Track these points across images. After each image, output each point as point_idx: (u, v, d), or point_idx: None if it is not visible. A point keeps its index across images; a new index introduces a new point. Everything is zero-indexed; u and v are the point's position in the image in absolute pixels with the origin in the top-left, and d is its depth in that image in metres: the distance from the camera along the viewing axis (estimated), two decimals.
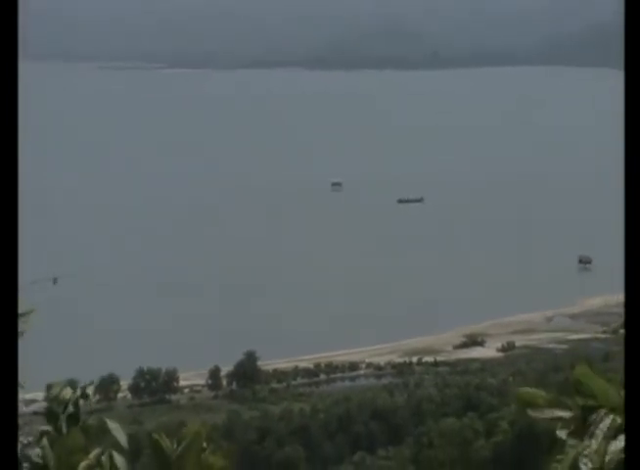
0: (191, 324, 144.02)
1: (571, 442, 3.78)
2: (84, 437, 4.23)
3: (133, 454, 4.42)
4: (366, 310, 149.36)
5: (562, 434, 3.84)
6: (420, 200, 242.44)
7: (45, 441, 4.15)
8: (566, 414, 3.84)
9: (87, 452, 4.18)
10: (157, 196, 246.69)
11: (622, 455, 3.54)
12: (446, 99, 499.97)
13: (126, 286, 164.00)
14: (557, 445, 3.85)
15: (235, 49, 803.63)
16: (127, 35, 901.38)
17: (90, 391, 4.52)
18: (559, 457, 3.76)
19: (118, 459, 4.16)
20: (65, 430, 4.22)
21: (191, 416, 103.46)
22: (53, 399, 4.24)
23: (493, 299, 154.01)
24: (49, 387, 4.28)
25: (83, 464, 4.13)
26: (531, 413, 3.85)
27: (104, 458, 4.17)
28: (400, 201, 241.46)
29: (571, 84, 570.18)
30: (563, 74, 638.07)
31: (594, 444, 3.70)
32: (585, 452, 3.71)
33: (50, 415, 4.29)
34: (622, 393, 3.74)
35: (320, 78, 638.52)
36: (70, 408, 4.31)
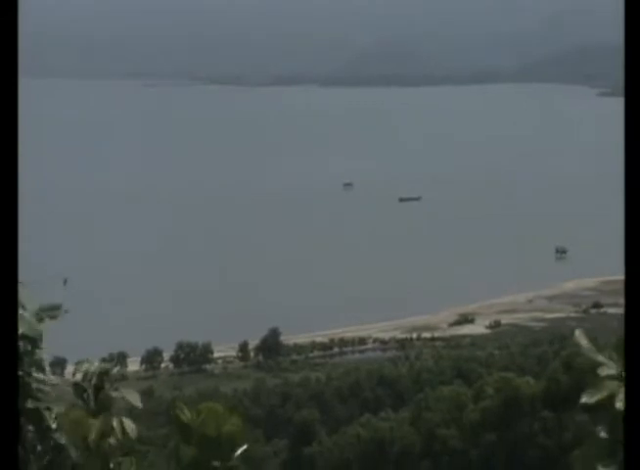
0: (223, 305, 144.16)
1: (609, 382, 3.73)
2: (106, 405, 4.15)
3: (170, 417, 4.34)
4: (373, 292, 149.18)
5: (602, 372, 3.79)
6: (418, 198, 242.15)
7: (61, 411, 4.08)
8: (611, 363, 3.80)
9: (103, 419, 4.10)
10: (199, 194, 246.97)
11: None
12: (440, 111, 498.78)
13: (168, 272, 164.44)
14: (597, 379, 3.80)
15: (260, 68, 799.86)
16: (162, 53, 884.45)
17: (114, 368, 4.43)
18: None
19: (129, 424, 4.08)
20: (91, 401, 4.15)
21: (223, 383, 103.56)
22: (82, 374, 4.18)
23: (482, 283, 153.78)
24: (78, 363, 4.22)
25: (95, 430, 4.05)
26: (590, 354, 3.78)
27: (115, 423, 4.09)
28: (401, 199, 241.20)
29: (545, 99, 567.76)
30: (537, 90, 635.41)
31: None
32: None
33: (77, 388, 4.22)
34: None
35: (333, 94, 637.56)
36: (94, 381, 4.24)
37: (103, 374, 4.21)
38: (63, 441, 4.03)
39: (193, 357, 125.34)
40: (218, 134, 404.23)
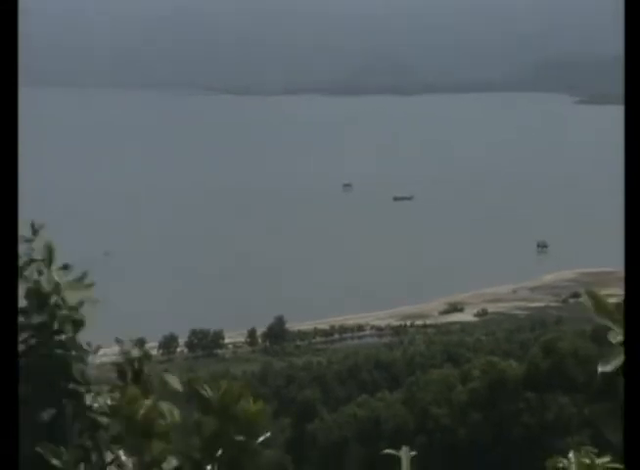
0: (234, 296, 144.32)
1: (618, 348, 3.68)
2: (147, 389, 4.14)
3: (187, 397, 4.32)
4: (370, 284, 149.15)
5: (614, 339, 3.72)
6: (411, 198, 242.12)
7: (109, 394, 4.07)
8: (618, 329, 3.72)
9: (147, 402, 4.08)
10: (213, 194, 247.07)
11: None
12: (433, 119, 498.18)
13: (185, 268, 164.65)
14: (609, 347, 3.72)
15: (269, 78, 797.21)
16: (176, 64, 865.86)
17: (151, 351, 4.42)
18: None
19: (174, 410, 4.07)
20: (131, 384, 4.14)
21: (233, 366, 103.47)
22: (123, 358, 4.17)
23: (470, 275, 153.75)
24: (119, 344, 4.21)
25: (142, 411, 4.03)
26: (598, 318, 3.70)
27: (161, 406, 4.07)
28: (395, 198, 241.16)
29: (529, 107, 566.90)
30: (522, 99, 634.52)
31: None
32: None
33: (120, 372, 4.21)
34: None
35: (335, 103, 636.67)
36: (136, 365, 4.23)
37: (144, 358, 4.20)
38: (100, 419, 4.02)
39: (205, 343, 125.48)
40: (230, 140, 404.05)
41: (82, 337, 4.18)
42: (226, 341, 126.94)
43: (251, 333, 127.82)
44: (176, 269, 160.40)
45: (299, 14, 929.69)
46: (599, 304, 3.70)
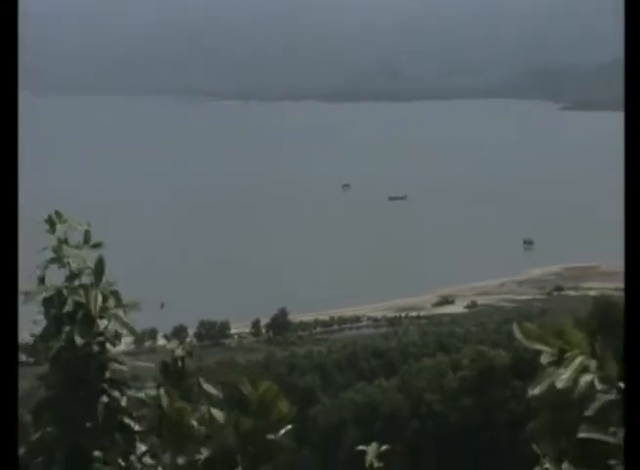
0: (239, 290, 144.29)
1: (550, 369, 3.66)
2: (193, 394, 4.10)
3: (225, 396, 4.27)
4: (367, 278, 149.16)
5: (544, 360, 3.70)
6: (404, 197, 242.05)
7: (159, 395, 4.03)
8: (548, 350, 3.69)
9: (192, 408, 4.03)
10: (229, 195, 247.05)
11: (591, 388, 3.40)
12: (426, 123, 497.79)
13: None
14: (539, 370, 3.70)
15: (269, 84, 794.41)
16: (180, 70, 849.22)
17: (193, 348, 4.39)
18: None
19: (218, 414, 4.04)
20: (174, 382, 4.10)
21: (238, 355, 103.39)
22: (165, 352, 4.15)
23: (461, 270, 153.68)
24: (167, 341, 4.16)
25: (191, 420, 3.99)
26: (526, 343, 3.70)
27: (207, 414, 4.04)
28: (390, 198, 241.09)
29: (516, 112, 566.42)
30: (509, 105, 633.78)
31: (568, 372, 3.58)
32: (561, 377, 3.58)
33: (164, 370, 4.17)
34: (592, 341, 3.58)
35: (334, 108, 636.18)
36: (179, 364, 4.20)
37: (185, 357, 4.17)
38: (127, 420, 4.00)
39: (213, 333, 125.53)
40: (234, 144, 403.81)
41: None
42: (232, 331, 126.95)
43: (256, 324, 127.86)
44: (187, 266, 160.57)
45: (300, 24, 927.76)
46: (526, 331, 3.72)
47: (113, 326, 4.06)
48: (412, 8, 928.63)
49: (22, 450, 3.89)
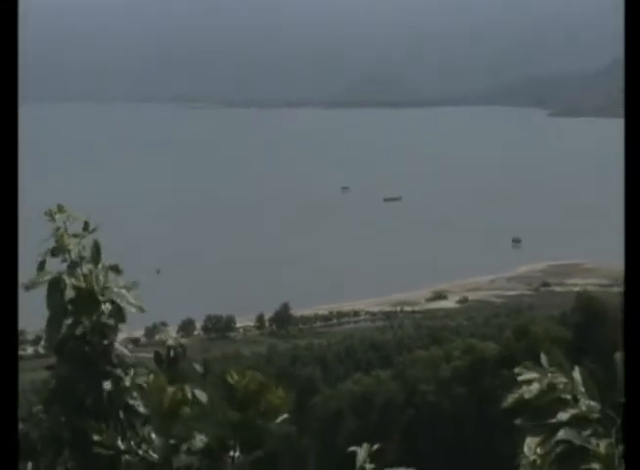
0: (244, 286, 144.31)
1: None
2: (181, 376, 4.08)
3: (205, 375, 4.26)
4: (365, 275, 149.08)
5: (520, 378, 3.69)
6: (399, 198, 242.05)
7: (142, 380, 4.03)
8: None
9: (178, 390, 4.02)
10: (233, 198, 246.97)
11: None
12: (421, 129, 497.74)
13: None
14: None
15: (271, 93, 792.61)
16: (185, 77, 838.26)
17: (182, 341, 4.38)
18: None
19: (200, 394, 4.02)
20: (165, 369, 4.10)
21: (243, 347, 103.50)
22: (159, 344, 4.16)
23: (453, 267, 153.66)
24: (157, 331, 4.17)
25: (169, 395, 3.99)
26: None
27: (188, 393, 4.02)
28: (385, 199, 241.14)
29: (507, 119, 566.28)
30: (500, 112, 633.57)
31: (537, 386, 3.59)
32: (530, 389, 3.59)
33: (157, 358, 4.17)
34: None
35: (334, 115, 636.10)
36: (172, 353, 4.19)
37: (177, 347, 4.17)
38: (133, 401, 4.00)
39: (219, 327, 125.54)
40: (241, 149, 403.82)
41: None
42: (237, 325, 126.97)
43: (260, 318, 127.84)
44: (196, 264, 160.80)
45: (300, 34, 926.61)
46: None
47: (115, 304, 4.05)
48: (411, 20, 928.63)
49: (35, 435, 3.88)
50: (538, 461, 3.40)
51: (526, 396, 3.49)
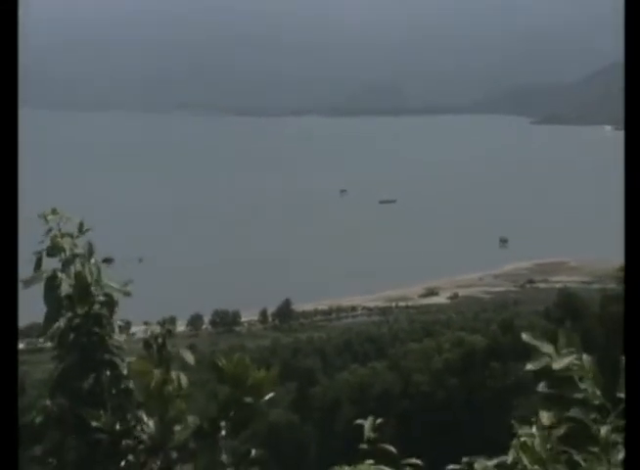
0: (249, 283, 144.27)
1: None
2: (167, 360, 4.11)
3: (209, 365, 4.28)
4: (362, 272, 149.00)
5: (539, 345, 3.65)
6: (394, 201, 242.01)
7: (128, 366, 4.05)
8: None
9: (163, 374, 4.04)
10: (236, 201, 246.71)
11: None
12: (414, 137, 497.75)
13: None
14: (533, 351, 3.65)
15: (273, 101, 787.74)
16: (197, 87, 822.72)
17: (173, 328, 4.41)
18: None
19: (183, 377, 4.06)
20: (155, 356, 4.13)
21: (248, 341, 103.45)
22: (149, 334, 4.17)
23: (444, 265, 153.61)
24: (146, 324, 4.20)
25: (155, 379, 4.01)
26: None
27: (173, 376, 4.05)
28: (381, 201, 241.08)
29: (491, 126, 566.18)
30: (485, 120, 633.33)
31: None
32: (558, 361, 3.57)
33: (146, 345, 4.21)
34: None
35: (336, 123, 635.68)
36: (160, 341, 4.22)
37: (166, 335, 4.21)
38: (131, 385, 4.02)
39: (226, 321, 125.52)
40: (246, 155, 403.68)
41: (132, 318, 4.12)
42: (242, 319, 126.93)
43: (263, 313, 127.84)
44: (203, 262, 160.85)
45: (302, 44, 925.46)
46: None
47: (107, 294, 4.07)
48: (408, 36, 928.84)
49: (39, 420, 3.89)
50: (537, 440, 3.39)
51: (555, 366, 3.45)
